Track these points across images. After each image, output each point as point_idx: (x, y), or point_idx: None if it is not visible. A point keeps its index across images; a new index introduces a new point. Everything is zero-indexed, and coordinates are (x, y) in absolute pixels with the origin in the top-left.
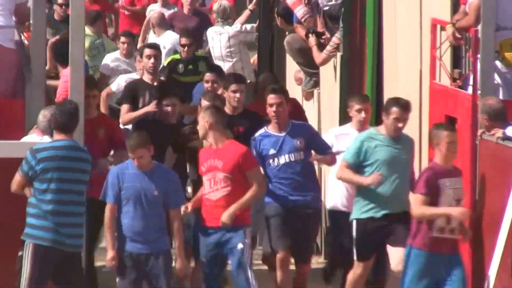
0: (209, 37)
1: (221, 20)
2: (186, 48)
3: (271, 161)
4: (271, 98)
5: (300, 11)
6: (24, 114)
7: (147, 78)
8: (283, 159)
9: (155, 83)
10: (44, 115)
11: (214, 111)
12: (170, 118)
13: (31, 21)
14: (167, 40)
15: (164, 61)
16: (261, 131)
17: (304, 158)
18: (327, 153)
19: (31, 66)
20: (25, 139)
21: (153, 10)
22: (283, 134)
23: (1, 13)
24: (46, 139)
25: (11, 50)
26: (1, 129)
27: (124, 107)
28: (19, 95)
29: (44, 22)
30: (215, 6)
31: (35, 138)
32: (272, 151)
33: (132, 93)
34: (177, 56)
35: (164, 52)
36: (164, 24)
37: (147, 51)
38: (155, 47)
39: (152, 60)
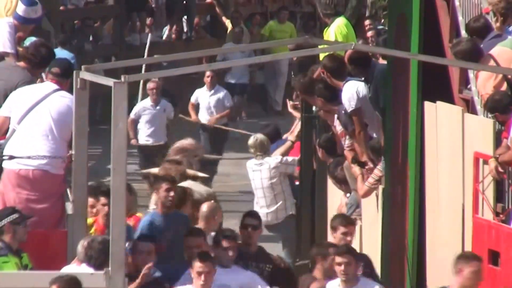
0: (249, 169)
1: (259, 154)
2: None
3: None
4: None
5: (347, 141)
6: (66, 244)
7: None
8: None
9: None
10: (83, 246)
11: None
12: None
13: (73, 152)
14: None
15: None
16: None
17: None
18: None
19: (74, 196)
20: (64, 269)
21: None
22: None
23: (54, 140)
24: (84, 268)
25: (60, 176)
26: (44, 259)
27: None
28: (62, 225)
29: (86, 152)
30: (250, 141)
31: (73, 268)
32: None
33: None
34: None
35: None
36: None
37: None
38: None
39: None
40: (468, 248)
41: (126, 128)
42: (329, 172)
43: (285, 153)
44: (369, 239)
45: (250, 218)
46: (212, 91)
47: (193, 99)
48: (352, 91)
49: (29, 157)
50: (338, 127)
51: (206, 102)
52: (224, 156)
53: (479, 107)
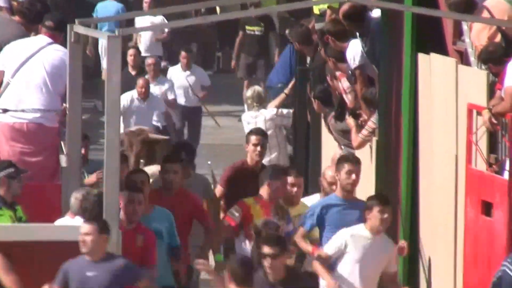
0: (244, 122)
1: (256, 105)
2: None
3: None
4: None
5: (346, 83)
6: (60, 197)
7: None
8: None
9: None
10: (75, 198)
11: None
12: None
13: (67, 105)
14: None
15: None
16: None
17: None
18: None
19: (68, 149)
20: (58, 222)
21: None
22: None
23: (48, 94)
24: (78, 220)
25: (54, 129)
26: (38, 212)
27: None
28: (56, 178)
29: (80, 106)
30: (248, 92)
31: (67, 220)
32: None
33: None
34: None
35: None
36: None
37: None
38: None
39: None
40: (461, 199)
41: (120, 82)
42: (325, 122)
43: (279, 105)
44: (363, 190)
45: (267, 246)
46: (188, 72)
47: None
48: (357, 48)
49: (23, 111)
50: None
51: (181, 82)
52: (218, 110)
53: (472, 59)
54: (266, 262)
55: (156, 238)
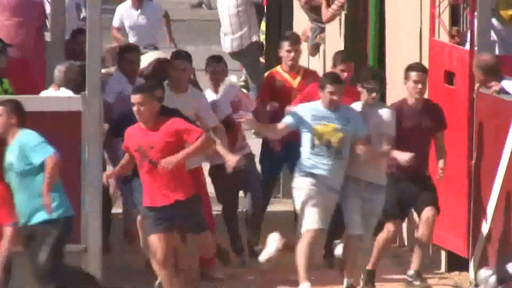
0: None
1: None
2: None
3: None
4: None
5: None
6: (45, 71)
7: None
8: None
9: None
10: (59, 70)
11: None
12: None
13: None
14: None
15: None
16: None
17: None
18: None
19: (51, 26)
20: (43, 93)
21: None
22: None
23: None
24: (62, 91)
25: (38, 3)
26: (24, 85)
27: None
28: (41, 52)
29: None
30: None
31: (51, 92)
32: None
33: None
34: None
35: None
36: None
37: None
38: None
39: None
40: None
41: None
42: None
43: None
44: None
45: None
46: None
47: None
48: None
49: None
50: None
51: None
52: None
53: None
54: None
55: None
